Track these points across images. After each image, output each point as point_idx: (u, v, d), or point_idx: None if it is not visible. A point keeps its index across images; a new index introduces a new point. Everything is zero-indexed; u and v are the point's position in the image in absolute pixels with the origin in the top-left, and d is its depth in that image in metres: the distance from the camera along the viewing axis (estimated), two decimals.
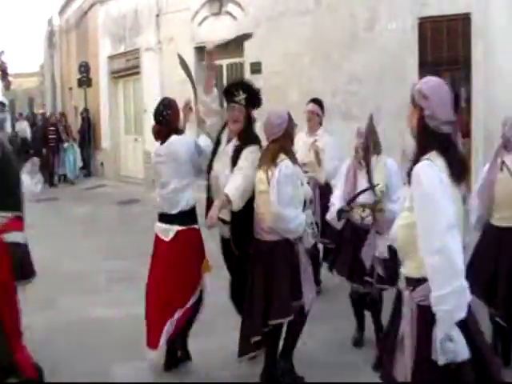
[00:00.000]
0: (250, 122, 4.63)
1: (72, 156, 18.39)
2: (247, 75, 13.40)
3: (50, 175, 17.93)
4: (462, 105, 9.50)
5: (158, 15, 15.70)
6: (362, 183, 4.96)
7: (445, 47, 11.35)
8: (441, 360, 2.49)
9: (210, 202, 4.67)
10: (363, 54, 11.54)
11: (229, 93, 4.61)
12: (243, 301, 4.51)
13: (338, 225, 5.11)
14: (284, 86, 12.11)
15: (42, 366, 4.00)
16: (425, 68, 11.36)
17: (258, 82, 13.29)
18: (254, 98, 4.62)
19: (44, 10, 52.91)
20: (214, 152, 4.74)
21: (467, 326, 2.56)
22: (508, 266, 4.53)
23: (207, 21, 14.08)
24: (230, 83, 4.91)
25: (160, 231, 4.79)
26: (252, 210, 4.39)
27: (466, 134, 10.97)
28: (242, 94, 4.52)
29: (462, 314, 2.50)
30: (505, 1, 10.53)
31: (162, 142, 4.80)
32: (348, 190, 5.05)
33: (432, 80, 2.75)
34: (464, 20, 10.99)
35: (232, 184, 4.32)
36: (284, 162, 4.23)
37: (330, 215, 5.14)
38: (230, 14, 13.62)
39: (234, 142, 4.61)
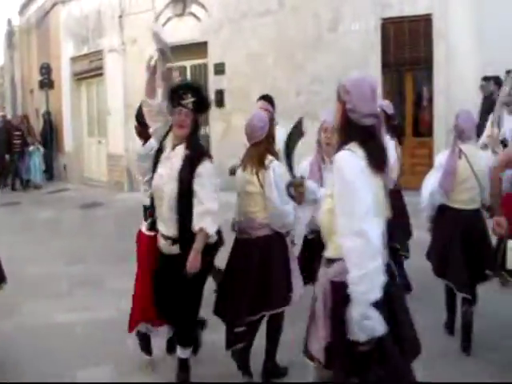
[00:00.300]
0: (196, 127, 4.27)
1: (37, 159, 18.07)
2: (211, 76, 13.40)
3: (12, 179, 17.65)
4: (424, 104, 9.62)
5: (121, 16, 15.54)
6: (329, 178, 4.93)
7: (407, 48, 11.50)
8: (362, 337, 2.63)
9: (151, 210, 4.39)
10: (326, 54, 11.62)
11: (176, 95, 4.17)
12: (222, 297, 4.49)
13: None
14: (247, 86, 12.12)
15: (7, 370, 3.90)
16: (387, 68, 11.52)
17: (221, 82, 13.37)
18: (202, 103, 4.25)
19: (3, 10, 51.90)
20: (157, 160, 4.32)
21: (391, 300, 2.74)
22: (459, 240, 4.91)
23: (171, 22, 14.02)
24: (177, 84, 4.40)
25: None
26: None
27: (428, 132, 11.15)
28: (190, 97, 4.13)
29: (376, 295, 2.61)
30: (464, 2, 10.71)
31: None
32: None
33: (355, 76, 2.91)
34: (425, 21, 11.16)
35: (201, 210, 4.07)
36: (274, 163, 4.34)
37: None
38: (193, 14, 13.58)
39: (182, 149, 4.19)
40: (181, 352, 4.37)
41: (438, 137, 10.55)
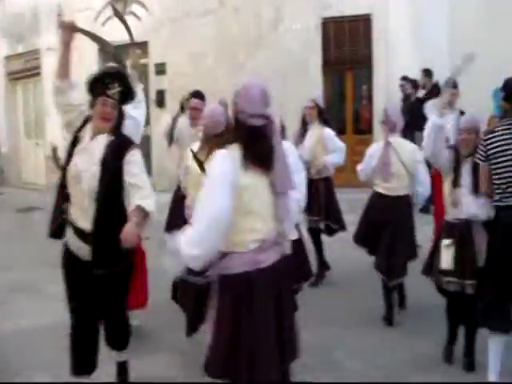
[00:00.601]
0: (121, 120, 3.85)
1: None
2: (152, 76, 13.20)
3: None
4: (363, 102, 9.75)
5: (59, 15, 15.15)
6: None
7: (347, 47, 11.62)
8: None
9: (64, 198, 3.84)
10: (267, 53, 11.62)
11: (101, 83, 3.71)
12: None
13: None
14: (189, 86, 11.80)
15: None
16: (328, 67, 11.61)
17: (162, 82, 13.19)
18: (129, 93, 3.85)
19: None
20: (71, 152, 3.81)
21: (279, 302, 2.93)
22: (391, 230, 5.36)
23: (110, 21, 13.69)
24: (102, 71, 3.91)
25: None
26: (120, 217, 3.64)
27: (368, 129, 11.29)
28: (117, 86, 3.71)
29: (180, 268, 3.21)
30: (404, 2, 10.88)
31: None
32: None
33: (247, 79, 3.04)
34: (365, 21, 11.32)
35: (142, 194, 3.64)
36: None
37: None
38: (133, 14, 13.31)
39: (104, 137, 3.76)
40: (117, 356, 4.20)
41: (378, 134, 10.66)
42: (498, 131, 4.16)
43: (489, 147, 4.16)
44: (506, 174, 4.09)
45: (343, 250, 6.95)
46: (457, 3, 10.32)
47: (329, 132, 6.40)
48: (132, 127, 4.18)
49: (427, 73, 10.03)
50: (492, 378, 4.13)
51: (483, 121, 5.42)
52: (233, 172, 2.84)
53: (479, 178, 4.22)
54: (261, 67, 11.55)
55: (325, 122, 6.42)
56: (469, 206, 4.29)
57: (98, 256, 3.71)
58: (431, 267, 4.54)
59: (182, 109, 6.28)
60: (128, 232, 3.40)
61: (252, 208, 2.89)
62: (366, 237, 5.65)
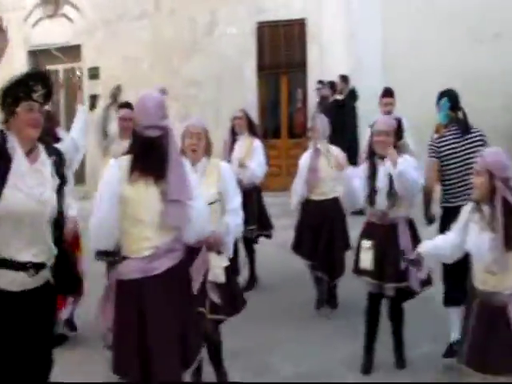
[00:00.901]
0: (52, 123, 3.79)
1: None
2: (85, 81, 12.94)
3: None
4: (298, 105, 9.85)
5: None
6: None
7: (282, 51, 11.70)
8: None
9: None
10: (203, 58, 11.58)
11: (25, 86, 3.19)
12: None
13: None
14: (124, 90, 11.79)
15: None
16: (263, 71, 11.67)
17: (96, 87, 12.91)
18: (50, 95, 3.34)
19: None
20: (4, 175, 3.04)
21: (143, 313, 2.98)
22: (327, 228, 5.65)
23: (42, 23, 13.39)
24: (27, 73, 3.32)
25: None
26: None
27: (303, 133, 11.39)
28: (41, 88, 3.19)
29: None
30: (337, 7, 11.04)
31: None
32: None
33: (143, 93, 3.17)
34: (300, 25, 11.42)
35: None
36: None
37: None
38: (65, 16, 13.07)
39: (43, 153, 3.23)
40: None
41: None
42: (448, 135, 4.59)
43: (442, 149, 4.54)
44: (457, 175, 4.33)
45: (276, 254, 7.01)
46: (389, 6, 10.54)
47: (258, 144, 6.33)
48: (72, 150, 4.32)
49: (344, 79, 10.22)
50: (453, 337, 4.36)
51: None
52: (118, 182, 2.97)
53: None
54: (196, 72, 11.53)
55: (254, 133, 6.31)
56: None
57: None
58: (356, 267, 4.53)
59: (115, 100, 6.03)
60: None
61: (140, 217, 2.96)
62: (304, 243, 5.75)
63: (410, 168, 4.20)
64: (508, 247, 3.06)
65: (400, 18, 10.22)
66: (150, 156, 3.00)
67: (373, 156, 4.39)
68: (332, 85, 9.99)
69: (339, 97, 9.90)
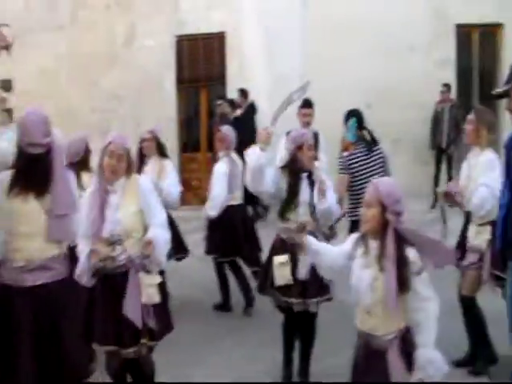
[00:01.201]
0: None
1: None
2: None
3: None
4: (217, 119, 9.85)
5: None
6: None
7: (202, 64, 11.71)
8: None
9: None
10: (122, 70, 11.43)
11: None
12: None
13: None
14: (39, 104, 11.48)
15: None
16: (182, 84, 11.64)
17: (9, 100, 12.51)
18: None
19: None
20: None
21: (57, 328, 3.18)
22: (238, 225, 6.06)
23: None
24: None
25: None
26: None
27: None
28: None
29: None
30: (257, 21, 11.13)
31: None
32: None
33: (27, 109, 3.25)
34: (219, 38, 11.47)
35: None
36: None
37: None
38: None
39: None
40: None
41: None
42: (357, 153, 5.17)
43: (352, 166, 5.13)
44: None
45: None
46: (308, 21, 10.70)
47: (169, 164, 6.04)
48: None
49: (243, 93, 10.35)
50: None
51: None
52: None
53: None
54: (115, 85, 11.35)
55: (163, 154, 6.07)
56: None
57: None
58: (265, 284, 4.35)
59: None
60: None
61: (19, 230, 3.10)
62: (222, 244, 6.02)
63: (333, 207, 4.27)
64: (402, 290, 2.75)
65: (319, 33, 10.40)
66: (32, 172, 3.12)
67: (297, 169, 4.25)
68: (231, 102, 10.08)
69: (239, 111, 10.02)
